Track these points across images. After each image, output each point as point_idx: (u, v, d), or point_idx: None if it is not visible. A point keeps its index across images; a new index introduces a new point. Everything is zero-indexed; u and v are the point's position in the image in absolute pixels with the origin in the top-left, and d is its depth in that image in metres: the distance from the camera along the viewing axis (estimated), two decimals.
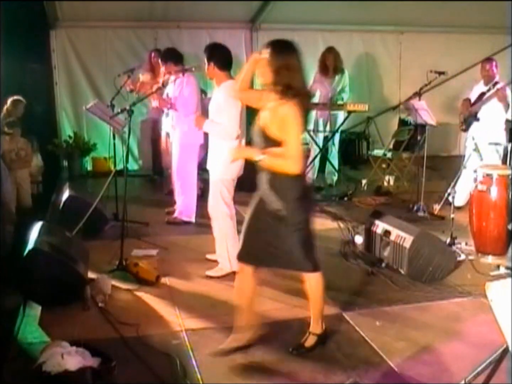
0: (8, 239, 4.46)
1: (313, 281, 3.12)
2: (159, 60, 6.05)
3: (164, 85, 5.51)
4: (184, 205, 5.73)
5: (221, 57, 4.21)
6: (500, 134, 5.84)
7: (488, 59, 6.03)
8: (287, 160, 2.83)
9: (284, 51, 2.90)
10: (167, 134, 6.32)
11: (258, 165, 2.97)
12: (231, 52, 4.31)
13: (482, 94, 5.96)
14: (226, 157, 4.08)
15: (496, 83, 5.84)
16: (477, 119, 5.96)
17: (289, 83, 2.84)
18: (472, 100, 6.06)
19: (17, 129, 5.65)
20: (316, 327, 3.19)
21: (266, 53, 2.90)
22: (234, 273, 4.26)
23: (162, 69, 5.87)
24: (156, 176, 7.88)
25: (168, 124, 6.09)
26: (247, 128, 4.08)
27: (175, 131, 5.72)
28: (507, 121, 5.90)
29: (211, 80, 4.46)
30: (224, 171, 4.17)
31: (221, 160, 4.11)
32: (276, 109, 2.86)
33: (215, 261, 4.41)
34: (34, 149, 6.07)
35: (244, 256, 3.12)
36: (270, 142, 2.87)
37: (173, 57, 5.74)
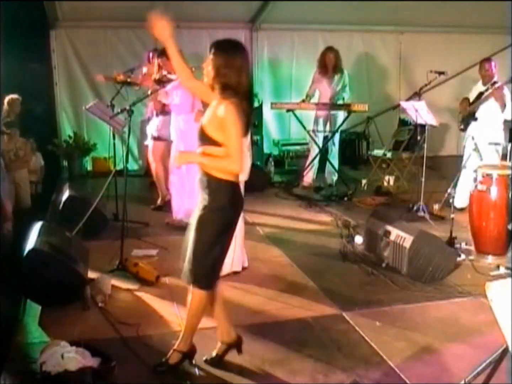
0: (7, 239, 4.47)
1: (195, 298, 2.91)
2: (157, 56, 5.96)
3: (162, 80, 5.50)
4: (191, 205, 5.63)
5: None
6: (498, 134, 5.83)
7: (487, 59, 6.03)
8: (227, 160, 2.71)
9: (226, 51, 2.80)
10: (153, 137, 6.30)
11: (199, 168, 2.85)
12: None
13: (481, 94, 5.96)
14: None
15: (494, 82, 5.84)
16: (475, 119, 5.96)
17: (227, 82, 2.75)
18: (471, 100, 6.06)
19: (16, 129, 5.66)
20: (181, 345, 2.98)
21: (211, 51, 2.81)
22: (234, 273, 4.28)
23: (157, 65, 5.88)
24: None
25: (153, 126, 6.18)
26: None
27: (173, 132, 5.70)
28: (506, 121, 5.90)
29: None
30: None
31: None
32: (215, 109, 2.78)
33: None
34: (33, 148, 6.08)
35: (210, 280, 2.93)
36: (207, 141, 2.76)
37: None
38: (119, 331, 3.36)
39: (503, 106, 5.73)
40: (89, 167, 8.45)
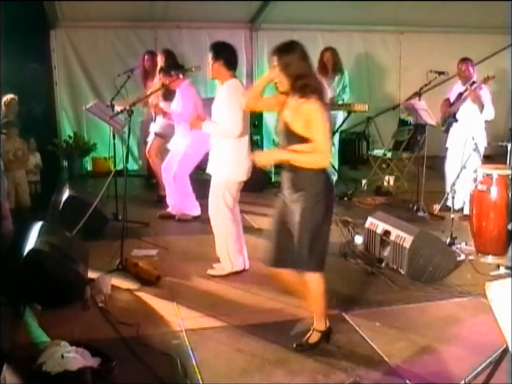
0: (7, 239, 4.47)
1: (314, 282, 3.12)
2: (160, 73, 5.88)
3: (170, 94, 5.65)
4: (188, 204, 5.84)
5: (229, 56, 4.15)
6: (479, 134, 5.73)
7: (464, 59, 5.96)
8: (316, 155, 2.91)
9: (291, 54, 2.99)
10: (156, 134, 6.37)
11: (283, 165, 3.04)
12: None
13: (460, 94, 5.94)
14: (231, 157, 4.07)
15: (473, 82, 5.81)
16: (456, 120, 5.95)
17: (306, 83, 2.93)
18: (452, 100, 6.05)
19: (14, 129, 5.65)
20: (319, 324, 3.19)
21: (274, 61, 2.99)
22: (235, 273, 4.27)
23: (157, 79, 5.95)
24: (153, 179, 7.82)
25: (157, 125, 6.21)
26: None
27: (179, 140, 5.76)
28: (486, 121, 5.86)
29: (213, 79, 4.37)
30: (230, 173, 4.12)
31: (226, 161, 4.09)
32: (298, 107, 2.94)
33: (218, 261, 4.40)
34: (31, 148, 6.08)
35: (267, 260, 3.18)
36: (294, 139, 2.94)
37: (175, 69, 5.58)
38: (119, 331, 3.35)
39: (481, 106, 5.70)
40: (89, 167, 8.45)
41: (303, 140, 2.92)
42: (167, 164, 5.88)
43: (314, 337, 3.18)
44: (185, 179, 5.77)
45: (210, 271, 4.31)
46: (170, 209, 5.98)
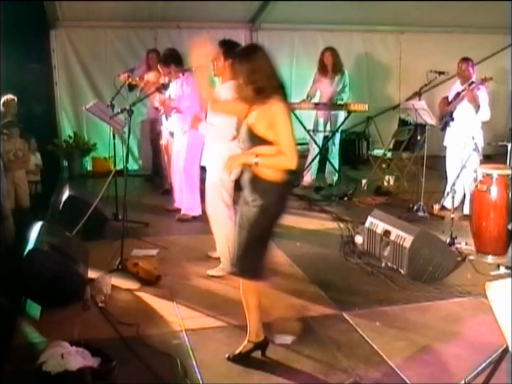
0: (7, 239, 4.47)
1: (248, 291, 3.02)
2: (159, 63, 6.01)
3: (165, 87, 5.52)
4: (191, 201, 5.85)
5: None
6: (476, 134, 5.69)
7: (464, 59, 5.94)
8: (282, 156, 2.82)
9: (248, 57, 2.89)
10: (171, 134, 6.34)
11: (245, 169, 2.96)
12: None
13: (458, 93, 5.94)
14: (225, 157, 4.06)
15: (472, 83, 5.81)
16: (452, 119, 5.95)
17: (264, 85, 2.83)
18: (450, 99, 6.05)
19: (15, 129, 5.65)
20: (252, 335, 3.08)
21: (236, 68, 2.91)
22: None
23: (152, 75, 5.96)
24: (156, 176, 7.87)
25: (172, 124, 6.14)
26: None
27: (181, 131, 5.76)
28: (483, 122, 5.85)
29: (216, 77, 4.31)
30: (223, 171, 4.14)
31: (220, 160, 4.09)
32: (262, 109, 2.85)
33: (217, 259, 4.40)
34: (31, 148, 6.08)
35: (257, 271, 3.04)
36: (257, 141, 2.86)
37: (174, 59, 5.75)
38: (119, 331, 3.35)
39: (477, 107, 5.69)
40: (89, 167, 8.45)
41: (266, 142, 2.84)
42: (175, 163, 5.96)
43: (246, 347, 3.07)
44: (194, 169, 5.75)
45: (210, 271, 4.31)
46: (177, 204, 6.06)
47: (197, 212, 5.80)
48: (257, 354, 3.10)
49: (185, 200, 5.91)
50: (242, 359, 3.03)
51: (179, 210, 5.97)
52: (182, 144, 5.76)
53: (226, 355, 3.06)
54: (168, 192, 6.62)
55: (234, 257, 3.01)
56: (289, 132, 2.84)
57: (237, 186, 4.29)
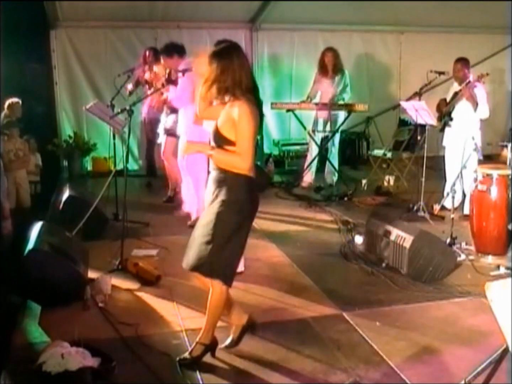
0: (7, 239, 4.47)
1: (217, 291, 2.97)
2: (162, 54, 5.82)
3: (173, 82, 5.49)
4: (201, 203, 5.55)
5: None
6: (474, 133, 5.65)
7: (459, 59, 5.94)
8: (236, 157, 2.82)
9: (220, 56, 2.84)
10: (166, 130, 6.31)
11: (213, 165, 2.95)
12: None
13: (456, 93, 5.95)
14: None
15: (469, 82, 5.82)
16: (451, 119, 5.96)
17: (232, 84, 2.81)
18: (448, 100, 6.06)
19: (15, 130, 5.67)
20: (205, 337, 3.04)
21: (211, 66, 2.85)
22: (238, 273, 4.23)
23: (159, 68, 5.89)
24: (151, 178, 7.80)
25: (168, 122, 6.12)
26: None
27: (181, 127, 5.59)
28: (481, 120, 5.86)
29: None
30: None
31: None
32: (227, 109, 2.87)
33: None
34: (32, 148, 6.09)
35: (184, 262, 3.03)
36: (221, 141, 2.86)
37: (177, 50, 5.63)
38: (119, 331, 3.36)
39: (475, 105, 5.70)
40: (89, 167, 8.44)
41: (231, 143, 2.84)
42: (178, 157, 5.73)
43: (197, 350, 3.02)
44: (200, 167, 5.30)
45: None
46: (187, 208, 5.74)
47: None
48: (257, 353, 3.10)
49: (194, 202, 5.52)
50: (193, 363, 2.98)
51: (188, 214, 5.65)
52: (182, 140, 5.52)
53: (177, 358, 3.00)
54: (172, 199, 6.42)
55: (197, 257, 2.92)
56: (248, 135, 2.81)
57: None
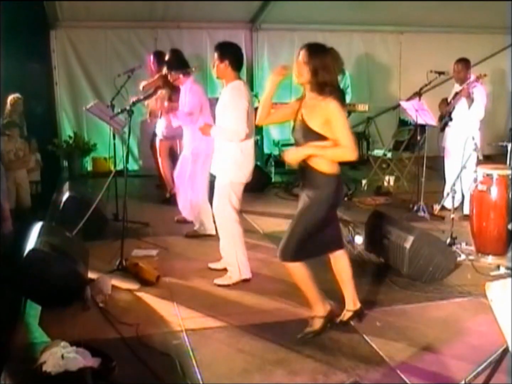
0: (7, 239, 4.47)
1: (294, 272, 3.29)
2: (165, 68, 5.81)
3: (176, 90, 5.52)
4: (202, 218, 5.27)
5: (236, 57, 4.11)
6: (474, 133, 5.60)
7: (459, 60, 5.96)
8: (343, 148, 3.02)
9: (320, 52, 3.13)
10: (162, 139, 6.38)
11: (300, 165, 3.15)
12: None
13: (456, 94, 5.96)
14: (237, 159, 4.04)
15: (469, 82, 5.83)
16: (451, 119, 5.97)
17: (326, 81, 3.05)
18: (449, 101, 6.07)
19: (16, 130, 5.67)
20: (319, 309, 3.35)
21: (302, 55, 3.13)
22: (242, 280, 4.17)
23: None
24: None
25: (160, 125, 6.20)
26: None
27: (185, 141, 5.44)
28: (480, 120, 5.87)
29: (219, 79, 4.33)
30: (234, 174, 4.06)
31: (230, 162, 4.04)
32: (316, 105, 3.06)
33: (220, 270, 4.29)
34: (32, 148, 6.09)
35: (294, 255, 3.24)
36: (312, 137, 3.05)
37: (179, 64, 5.34)
38: (119, 331, 3.35)
39: (471, 102, 5.73)
40: (89, 167, 8.46)
41: (321, 137, 3.03)
42: (179, 171, 5.47)
43: (317, 324, 3.32)
44: (202, 185, 5.21)
45: (217, 281, 4.15)
46: (184, 215, 5.60)
47: (211, 230, 5.11)
48: (257, 353, 3.10)
49: (194, 216, 5.38)
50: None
51: (188, 221, 5.53)
52: (188, 153, 5.30)
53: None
54: (168, 201, 6.36)
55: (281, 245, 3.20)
56: (348, 128, 3.06)
57: (245, 187, 4.25)
